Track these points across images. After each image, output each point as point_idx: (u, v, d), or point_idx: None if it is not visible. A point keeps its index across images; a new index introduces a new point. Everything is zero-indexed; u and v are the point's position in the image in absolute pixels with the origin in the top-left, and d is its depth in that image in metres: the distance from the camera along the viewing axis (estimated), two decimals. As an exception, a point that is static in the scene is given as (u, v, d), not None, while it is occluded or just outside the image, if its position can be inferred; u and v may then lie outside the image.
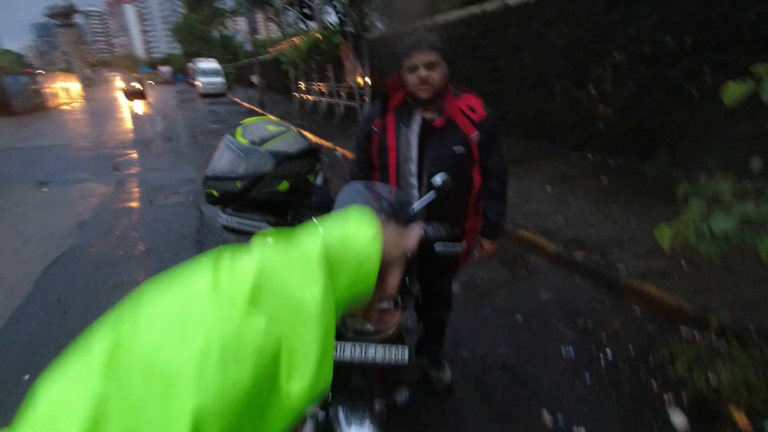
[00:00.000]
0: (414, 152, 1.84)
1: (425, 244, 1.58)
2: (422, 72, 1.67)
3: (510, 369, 2.46)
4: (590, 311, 2.99)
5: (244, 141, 1.28)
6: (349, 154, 7.52)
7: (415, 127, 1.82)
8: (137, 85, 28.58)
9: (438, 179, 1.70)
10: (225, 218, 1.31)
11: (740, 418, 1.89)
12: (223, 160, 1.28)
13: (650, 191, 4.79)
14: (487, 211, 1.97)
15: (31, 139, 12.17)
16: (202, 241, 4.46)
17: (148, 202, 5.86)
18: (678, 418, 2.03)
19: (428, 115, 1.82)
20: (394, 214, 1.46)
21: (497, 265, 3.69)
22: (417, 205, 1.64)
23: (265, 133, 1.30)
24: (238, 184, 1.27)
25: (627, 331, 2.75)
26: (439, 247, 1.65)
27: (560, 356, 2.56)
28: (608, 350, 2.58)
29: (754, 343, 2.24)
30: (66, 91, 29.70)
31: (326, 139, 9.12)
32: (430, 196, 1.68)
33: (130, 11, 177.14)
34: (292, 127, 1.41)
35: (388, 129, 1.85)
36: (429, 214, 1.87)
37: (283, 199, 1.33)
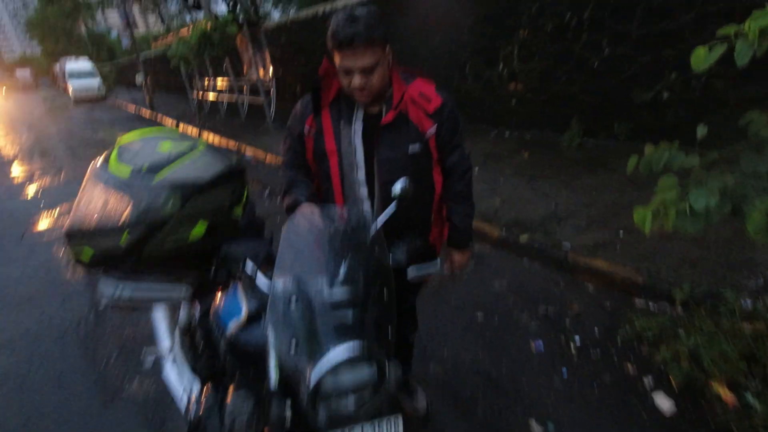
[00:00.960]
0: (360, 157, 1.50)
1: (396, 271, 1.26)
2: (357, 80, 1.32)
3: (485, 375, 2.26)
4: (548, 296, 2.89)
5: (123, 170, 0.82)
6: (261, 154, 6.87)
7: (358, 126, 1.48)
8: None
9: (398, 187, 1.38)
10: (111, 289, 0.86)
11: (724, 393, 1.85)
12: (94, 204, 0.82)
13: (571, 162, 4.92)
14: (453, 217, 1.68)
15: None
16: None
17: (20, 237, 4.80)
18: (664, 402, 1.95)
19: (373, 110, 1.48)
20: (352, 243, 1.11)
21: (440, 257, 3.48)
22: (376, 222, 1.30)
23: (156, 154, 0.85)
24: (124, 238, 0.83)
25: (588, 312, 2.68)
26: (412, 272, 1.33)
27: (531, 352, 2.41)
28: (576, 337, 2.48)
29: (715, 311, 2.25)
30: None
31: (234, 140, 8.32)
32: (390, 210, 1.36)
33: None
34: (199, 141, 0.97)
35: (325, 129, 1.48)
36: (386, 229, 1.56)
37: (199, 248, 0.92)
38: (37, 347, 2.77)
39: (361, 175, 1.52)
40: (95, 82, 23.92)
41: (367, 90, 1.37)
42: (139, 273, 0.91)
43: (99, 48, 33.02)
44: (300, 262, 1.05)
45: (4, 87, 38.48)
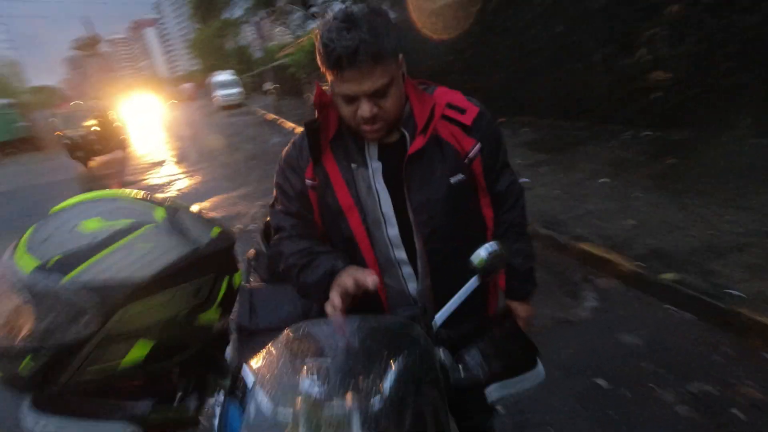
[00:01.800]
0: (387, 207, 1.10)
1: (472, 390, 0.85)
2: (365, 109, 0.95)
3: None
4: (705, 366, 2.13)
5: (28, 263, 0.55)
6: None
7: (376, 165, 1.08)
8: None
9: (482, 255, 0.95)
10: (31, 423, 0.61)
11: None
12: None
13: (738, 171, 3.80)
14: (511, 258, 1.21)
15: (56, 172, 12.08)
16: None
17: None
18: None
19: (390, 139, 1.08)
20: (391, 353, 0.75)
21: (553, 295, 2.86)
22: (440, 315, 0.90)
23: (72, 239, 0.55)
24: (25, 365, 0.57)
25: (769, 399, 1.89)
26: (498, 392, 0.89)
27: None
28: (752, 440, 1.74)
29: None
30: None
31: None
32: (467, 289, 0.94)
33: (151, 34, 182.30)
34: (156, 212, 0.63)
35: (333, 178, 1.09)
36: (433, 292, 1.14)
37: (144, 374, 0.62)
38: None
39: (392, 231, 1.11)
40: (236, 91, 27.07)
41: (380, 121, 0.98)
42: (70, 404, 0.65)
43: (240, 60, 37.12)
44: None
45: (174, 99, 47.82)
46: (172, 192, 7.52)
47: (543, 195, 4.22)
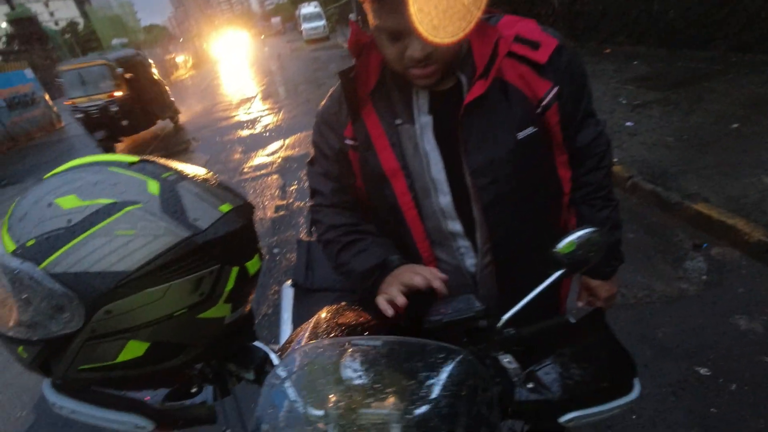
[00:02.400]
0: (437, 169, 0.91)
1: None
2: (416, 48, 0.75)
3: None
4: None
5: (8, 244, 0.47)
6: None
7: (425, 119, 0.88)
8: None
9: (575, 241, 0.74)
10: (52, 399, 0.57)
11: None
12: None
13: None
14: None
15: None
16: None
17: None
18: None
19: (443, 86, 0.87)
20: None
21: (654, 263, 2.48)
22: (508, 315, 0.73)
23: (49, 219, 0.45)
24: (22, 353, 0.51)
25: None
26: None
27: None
28: None
29: None
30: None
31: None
32: (547, 284, 0.75)
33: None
34: (149, 185, 0.50)
35: (374, 137, 0.91)
36: (496, 270, 0.99)
37: (146, 372, 0.54)
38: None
39: (444, 200, 0.92)
40: (320, 24, 26.64)
41: (434, 63, 0.77)
42: (83, 390, 0.60)
43: (327, -10, 36.12)
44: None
45: (263, 34, 48.75)
46: (258, 128, 7.77)
47: (651, 142, 3.62)
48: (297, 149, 6.03)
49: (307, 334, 1.03)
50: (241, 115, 9.22)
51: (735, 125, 3.55)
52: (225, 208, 0.57)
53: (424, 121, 0.88)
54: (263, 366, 0.71)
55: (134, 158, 0.59)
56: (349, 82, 0.86)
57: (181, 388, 0.66)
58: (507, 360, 0.71)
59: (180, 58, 24.80)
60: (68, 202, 0.51)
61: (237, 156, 6.36)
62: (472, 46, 0.84)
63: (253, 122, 8.35)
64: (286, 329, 1.39)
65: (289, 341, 1.05)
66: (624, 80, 5.22)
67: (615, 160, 3.38)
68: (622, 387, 0.68)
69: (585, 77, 0.92)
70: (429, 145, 0.89)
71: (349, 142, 0.95)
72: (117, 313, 0.50)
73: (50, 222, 0.50)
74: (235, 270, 0.57)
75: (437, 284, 0.80)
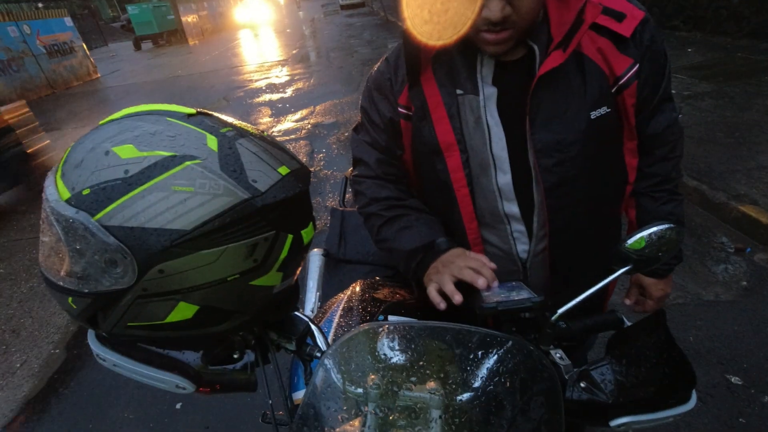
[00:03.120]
0: (500, 146, 0.84)
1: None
2: (496, 7, 0.68)
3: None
4: None
5: (62, 192, 0.45)
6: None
7: (490, 91, 0.82)
8: None
9: (646, 236, 0.69)
10: (96, 349, 0.57)
11: None
12: (43, 238, 0.50)
13: None
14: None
15: (199, 65, 13.12)
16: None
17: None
18: None
19: (512, 56, 0.80)
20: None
21: (692, 264, 2.38)
22: (564, 309, 0.69)
23: (105, 168, 0.43)
24: (72, 304, 0.50)
25: None
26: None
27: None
28: None
29: None
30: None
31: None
32: (609, 280, 0.71)
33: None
34: (208, 139, 0.47)
35: (432, 107, 0.85)
36: (550, 258, 0.93)
37: (192, 335, 0.53)
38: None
39: (503, 179, 0.86)
40: (355, -11, 25.90)
41: (510, 28, 0.71)
42: (126, 344, 0.59)
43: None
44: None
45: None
46: (288, 93, 7.71)
47: (700, 137, 3.43)
48: (327, 117, 5.97)
49: (341, 306, 1.02)
50: (273, 78, 9.15)
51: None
52: (283, 170, 0.54)
53: (489, 92, 0.82)
54: (305, 337, 0.69)
55: (191, 110, 0.56)
56: (412, 42, 0.78)
57: (223, 353, 0.65)
58: (559, 356, 0.67)
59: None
60: (126, 151, 0.48)
61: (266, 119, 6.34)
62: (549, 14, 0.77)
63: (284, 86, 8.29)
64: (311, 296, 1.38)
65: (323, 311, 1.04)
66: (676, 68, 4.93)
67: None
68: (679, 396, 0.64)
69: (666, 57, 0.84)
70: (493, 118, 0.82)
71: (402, 110, 0.90)
72: (170, 273, 0.48)
73: (107, 171, 0.47)
74: (290, 238, 0.54)
75: (481, 283, 0.75)
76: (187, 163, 0.48)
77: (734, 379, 1.75)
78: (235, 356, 0.66)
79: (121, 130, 0.51)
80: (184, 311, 0.51)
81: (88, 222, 0.46)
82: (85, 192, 0.47)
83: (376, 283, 1.11)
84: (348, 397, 0.63)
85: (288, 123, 6.00)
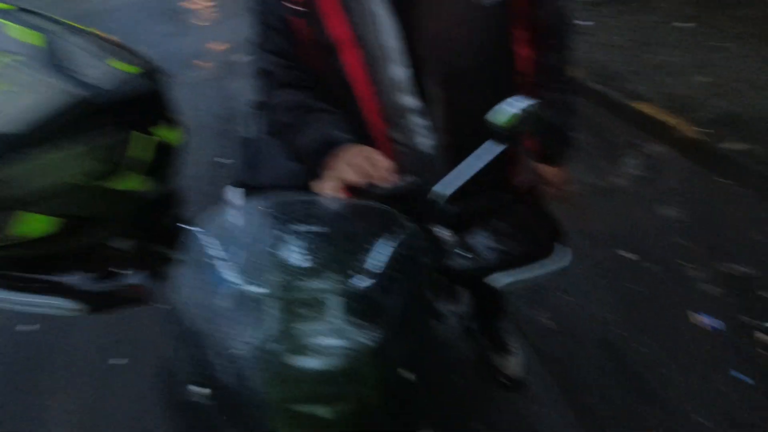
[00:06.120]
0: (390, 36, 0.81)
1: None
2: None
3: (615, 347, 1.66)
4: (750, 246, 1.95)
5: None
6: None
7: None
8: None
9: (509, 110, 0.72)
10: None
11: None
12: None
13: None
14: (544, 112, 0.99)
15: None
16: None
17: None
18: None
19: None
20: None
21: (591, 159, 2.59)
22: (444, 186, 0.72)
23: None
24: None
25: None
26: (505, 279, 0.75)
27: (697, 329, 1.69)
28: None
29: None
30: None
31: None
32: (480, 155, 0.74)
33: None
34: (35, 31, 0.41)
35: (322, 3, 0.81)
36: (454, 151, 0.92)
37: (64, 249, 0.50)
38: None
39: (398, 71, 0.84)
40: None
41: None
42: (5, 276, 0.55)
43: None
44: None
45: None
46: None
47: (603, 42, 3.59)
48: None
49: None
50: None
51: (686, 24, 3.56)
52: (128, 68, 0.50)
53: None
54: (194, 244, 0.68)
55: (8, 6, 0.49)
56: None
57: (113, 271, 0.63)
58: (439, 231, 0.72)
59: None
60: None
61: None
62: None
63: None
64: None
65: None
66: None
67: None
68: (549, 248, 0.72)
69: None
70: (380, 8, 0.78)
71: (291, 5, 0.83)
72: (7, 180, 0.44)
73: None
74: (149, 138, 0.51)
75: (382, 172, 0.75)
76: (7, 57, 0.43)
77: (628, 254, 1.99)
78: (128, 273, 0.64)
79: None
80: (39, 223, 0.48)
81: None
82: None
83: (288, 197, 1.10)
84: (243, 294, 0.62)
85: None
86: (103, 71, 0.47)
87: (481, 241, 0.70)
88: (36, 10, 0.50)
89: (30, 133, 0.42)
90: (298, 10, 0.83)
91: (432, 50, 0.81)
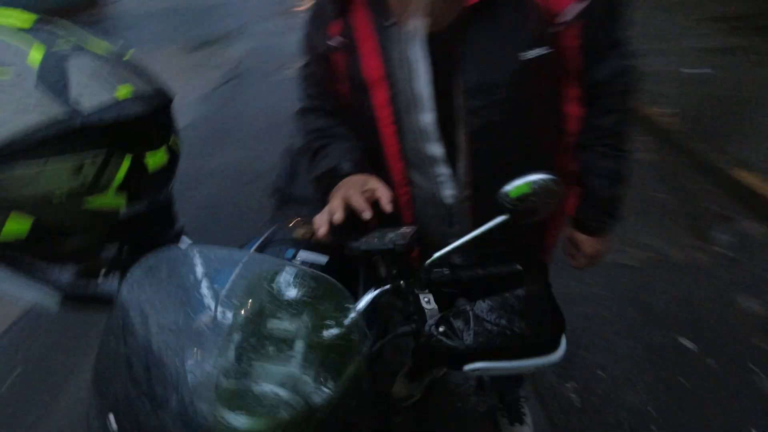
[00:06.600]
0: (423, 83, 0.79)
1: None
2: None
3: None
4: None
5: None
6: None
7: (418, 24, 0.75)
8: None
9: (523, 186, 0.65)
10: None
11: None
12: None
13: None
14: (590, 177, 0.90)
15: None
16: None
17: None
18: None
19: None
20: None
21: (669, 225, 2.32)
22: (436, 255, 0.68)
23: None
24: None
25: None
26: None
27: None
28: None
29: None
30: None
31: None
32: (487, 228, 0.69)
33: None
34: (37, 47, 0.43)
35: (360, 39, 0.81)
36: (474, 206, 0.90)
37: (34, 252, 0.52)
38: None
39: (425, 118, 0.82)
40: None
41: None
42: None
43: None
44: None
45: None
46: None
47: (714, 95, 3.21)
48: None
49: (258, 243, 1.02)
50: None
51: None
52: (123, 91, 0.51)
53: (415, 24, 0.75)
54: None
55: (28, 22, 0.52)
56: None
57: (90, 271, 0.65)
58: (426, 300, 0.67)
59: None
60: None
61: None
62: None
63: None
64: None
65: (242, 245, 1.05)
66: (702, 18, 4.54)
67: (675, 111, 3.06)
68: (542, 346, 0.64)
69: None
70: (415, 53, 0.77)
71: (332, 42, 0.85)
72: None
73: None
74: (127, 159, 0.53)
75: (367, 215, 0.74)
76: (35, 56, 0.45)
77: (687, 342, 1.75)
78: (106, 274, 0.67)
79: None
80: (19, 224, 0.51)
81: None
82: None
83: (301, 222, 1.10)
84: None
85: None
86: (91, 92, 0.49)
87: (462, 320, 0.63)
88: (55, 23, 0.53)
89: (9, 145, 0.44)
90: (338, 45, 0.83)
91: (465, 101, 0.79)
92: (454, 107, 0.80)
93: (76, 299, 0.65)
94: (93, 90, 0.49)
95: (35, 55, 0.48)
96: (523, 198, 0.64)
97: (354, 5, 0.80)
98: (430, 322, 0.65)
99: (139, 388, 0.47)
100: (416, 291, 0.68)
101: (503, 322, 0.63)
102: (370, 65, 0.81)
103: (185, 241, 0.71)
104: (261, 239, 1.00)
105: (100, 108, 0.49)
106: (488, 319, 0.64)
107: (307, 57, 0.93)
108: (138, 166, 0.54)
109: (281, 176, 1.47)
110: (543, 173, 0.64)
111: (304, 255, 0.91)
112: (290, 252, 0.90)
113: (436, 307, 0.67)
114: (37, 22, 0.52)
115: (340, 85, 0.91)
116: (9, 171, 0.46)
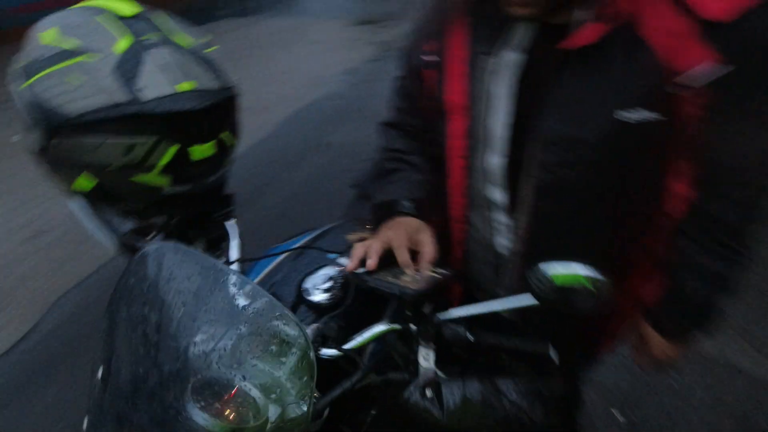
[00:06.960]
0: (498, 121, 0.71)
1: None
2: None
3: None
4: None
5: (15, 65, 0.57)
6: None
7: (511, 57, 0.68)
8: None
9: (558, 269, 0.57)
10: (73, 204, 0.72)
11: None
12: None
13: None
14: (684, 272, 0.74)
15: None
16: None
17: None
18: None
19: (559, 18, 0.63)
20: None
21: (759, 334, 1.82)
22: (455, 310, 0.64)
23: (36, 48, 0.52)
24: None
25: None
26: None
27: None
28: None
29: None
30: None
31: None
32: (508, 303, 0.62)
33: None
34: (125, 38, 0.48)
35: (450, 63, 0.74)
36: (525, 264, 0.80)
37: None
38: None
39: (492, 159, 0.74)
40: None
41: None
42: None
43: None
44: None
45: None
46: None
47: None
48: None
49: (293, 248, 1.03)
50: None
51: None
52: (184, 86, 0.55)
53: (507, 57, 0.69)
54: (218, 242, 0.75)
55: (132, 12, 0.59)
56: None
57: (143, 231, 0.74)
58: (423, 354, 0.62)
59: None
60: (49, 36, 0.55)
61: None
62: None
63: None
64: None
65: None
66: None
67: None
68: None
69: None
70: (498, 88, 0.70)
71: (425, 57, 0.82)
72: (66, 147, 0.56)
73: (31, 52, 0.56)
74: (174, 147, 0.58)
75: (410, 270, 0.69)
76: (81, 58, 0.53)
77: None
78: (153, 234, 0.75)
79: (62, 17, 0.58)
80: (85, 182, 0.60)
81: (15, 90, 0.56)
82: (22, 64, 0.57)
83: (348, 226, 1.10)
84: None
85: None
86: (155, 84, 0.54)
87: (450, 391, 0.58)
88: (156, 15, 0.60)
89: (79, 119, 0.52)
90: (431, 60, 0.79)
91: (540, 152, 0.69)
92: (526, 155, 0.71)
93: (128, 248, 0.76)
94: (158, 81, 0.55)
95: (122, 44, 0.55)
96: (564, 289, 0.55)
97: (454, 26, 0.75)
98: (419, 381, 0.60)
99: (129, 349, 0.52)
100: (421, 342, 0.64)
101: (525, 404, 0.56)
102: (454, 90, 0.75)
103: (232, 226, 0.76)
104: (317, 232, 1.03)
105: (158, 98, 0.54)
106: (510, 397, 0.58)
107: (403, 69, 0.90)
108: (183, 154, 0.59)
109: (366, 179, 1.49)
110: (598, 272, 0.54)
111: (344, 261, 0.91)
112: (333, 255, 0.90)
113: (433, 367, 0.62)
114: (141, 13, 0.59)
115: (426, 103, 0.87)
116: (78, 138, 0.54)
